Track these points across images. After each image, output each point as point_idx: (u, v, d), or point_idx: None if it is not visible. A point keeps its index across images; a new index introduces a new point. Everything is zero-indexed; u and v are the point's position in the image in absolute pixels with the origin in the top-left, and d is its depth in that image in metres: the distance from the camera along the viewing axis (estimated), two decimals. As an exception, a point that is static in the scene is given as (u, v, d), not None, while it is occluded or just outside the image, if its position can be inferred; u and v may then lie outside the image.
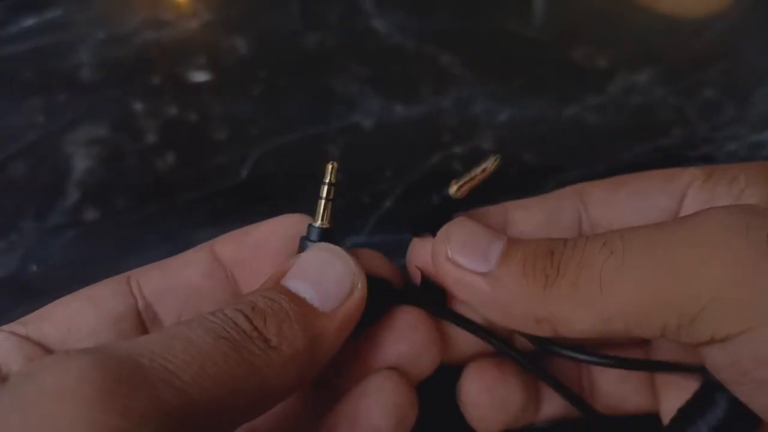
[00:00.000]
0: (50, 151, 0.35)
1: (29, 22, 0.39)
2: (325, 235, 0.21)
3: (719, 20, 0.40)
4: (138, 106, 0.37)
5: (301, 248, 0.21)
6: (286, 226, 0.23)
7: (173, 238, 0.34)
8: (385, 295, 0.22)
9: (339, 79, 0.38)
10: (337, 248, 0.21)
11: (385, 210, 0.34)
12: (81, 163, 0.35)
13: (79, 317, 0.21)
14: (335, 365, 0.22)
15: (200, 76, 0.38)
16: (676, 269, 0.17)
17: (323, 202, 0.21)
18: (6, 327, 0.20)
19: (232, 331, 0.17)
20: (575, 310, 0.18)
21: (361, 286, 0.20)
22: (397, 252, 0.34)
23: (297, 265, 0.20)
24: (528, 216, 0.25)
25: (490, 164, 0.21)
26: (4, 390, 0.15)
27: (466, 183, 0.21)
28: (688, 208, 0.23)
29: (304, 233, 0.22)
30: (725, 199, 0.22)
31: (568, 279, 0.18)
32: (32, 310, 0.32)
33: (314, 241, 0.21)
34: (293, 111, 0.37)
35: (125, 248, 0.33)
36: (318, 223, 0.21)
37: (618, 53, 0.39)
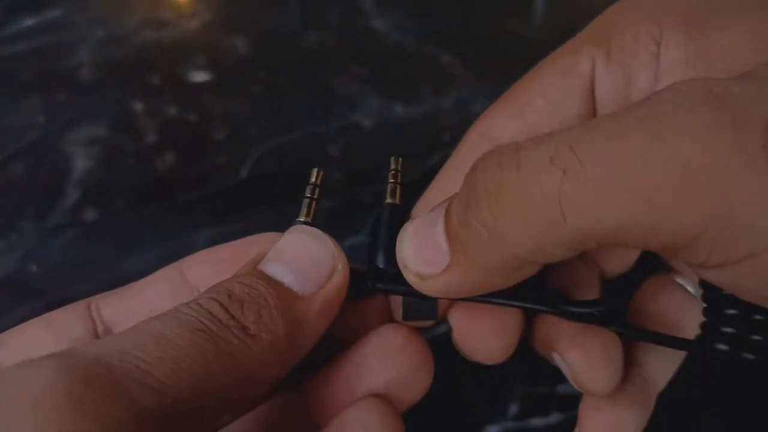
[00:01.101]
0: (50, 151, 0.35)
1: (29, 22, 0.39)
2: None
3: (719, 20, 0.40)
4: (138, 106, 0.37)
5: None
6: (257, 244, 0.22)
7: (173, 238, 0.34)
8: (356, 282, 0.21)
9: (339, 79, 0.38)
10: (315, 230, 0.20)
11: (385, 210, 0.34)
12: (81, 163, 0.35)
13: (35, 342, 0.20)
14: (313, 393, 0.21)
15: (200, 76, 0.38)
16: (656, 188, 0.14)
17: (306, 200, 0.21)
18: None
19: (208, 321, 0.16)
20: (541, 242, 0.16)
21: (341, 268, 0.19)
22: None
23: (274, 249, 0.19)
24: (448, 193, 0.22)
25: (393, 165, 0.23)
26: None
27: (394, 191, 0.22)
28: (605, 103, 0.20)
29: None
30: (645, 73, 0.19)
31: (511, 214, 0.15)
32: (32, 310, 0.32)
33: None
34: (293, 111, 0.37)
35: (125, 248, 0.33)
36: (302, 219, 0.21)
37: (618, 53, 0.39)
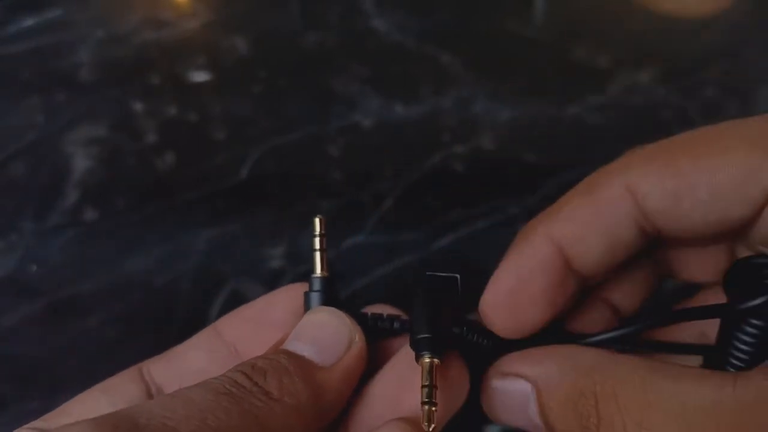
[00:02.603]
0: (50, 151, 0.35)
1: (29, 22, 0.39)
2: (326, 284, 0.22)
3: (719, 20, 0.40)
4: (138, 106, 0.37)
5: (306, 302, 0.22)
6: (285, 297, 0.23)
7: (173, 238, 0.34)
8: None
9: (339, 79, 0.38)
10: (332, 309, 0.21)
11: (385, 210, 0.34)
12: (80, 163, 0.35)
13: (95, 408, 0.21)
14: (344, 420, 0.22)
15: (200, 76, 0.37)
16: None
17: (318, 253, 0.22)
18: (28, 425, 0.21)
19: (233, 388, 0.17)
20: None
21: (358, 340, 0.20)
22: (395, 252, 0.34)
23: (295, 330, 0.21)
24: (586, 243, 0.20)
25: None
26: None
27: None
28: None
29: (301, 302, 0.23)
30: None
31: None
32: (32, 311, 0.32)
33: (317, 291, 0.22)
34: (293, 111, 0.37)
35: (125, 248, 0.33)
36: (318, 274, 0.22)
37: (618, 53, 0.39)
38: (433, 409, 0.19)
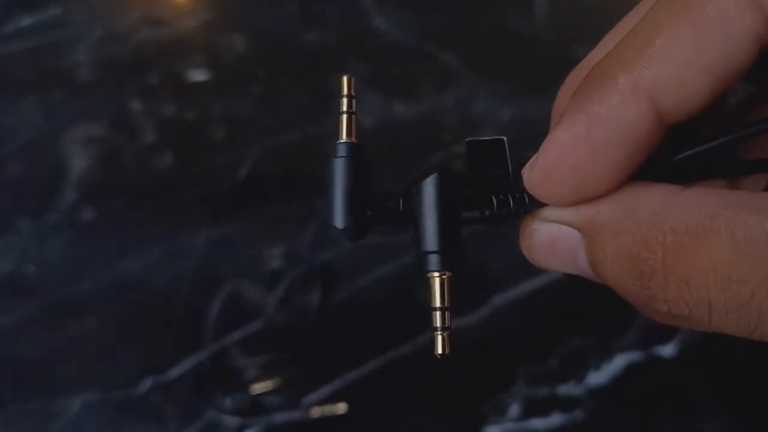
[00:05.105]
0: (47, 151, 0.35)
1: (27, 20, 0.38)
2: (355, 150, 0.19)
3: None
4: (136, 105, 0.36)
5: (329, 170, 0.19)
6: None
7: (172, 239, 0.33)
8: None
9: (339, 78, 0.37)
10: None
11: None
12: (78, 162, 0.35)
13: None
14: None
15: (199, 75, 0.37)
16: None
17: (345, 116, 0.19)
18: None
19: None
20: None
21: None
22: (395, 252, 0.33)
23: None
24: (689, 86, 0.14)
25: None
26: None
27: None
28: None
29: None
30: None
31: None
32: (30, 311, 0.32)
33: (342, 157, 0.19)
34: (293, 110, 0.37)
35: (123, 248, 0.33)
36: (344, 139, 0.19)
37: (619, 52, 0.38)
38: (446, 334, 0.16)
